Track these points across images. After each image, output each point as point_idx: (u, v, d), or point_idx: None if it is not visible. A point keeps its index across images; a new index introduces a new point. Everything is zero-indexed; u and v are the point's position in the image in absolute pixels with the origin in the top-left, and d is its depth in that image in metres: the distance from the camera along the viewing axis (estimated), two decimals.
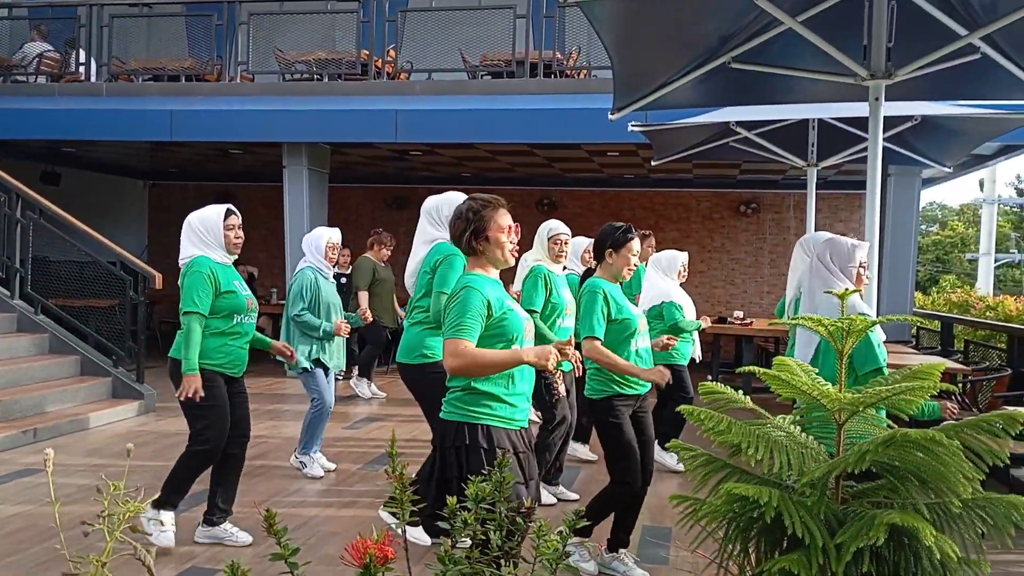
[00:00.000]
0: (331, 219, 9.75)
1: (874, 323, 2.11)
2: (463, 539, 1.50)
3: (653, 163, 7.47)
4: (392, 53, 9.94)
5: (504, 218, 2.97)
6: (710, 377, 7.86)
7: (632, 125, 6.39)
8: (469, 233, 2.95)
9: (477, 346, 2.83)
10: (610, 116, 4.81)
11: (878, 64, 3.64)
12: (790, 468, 1.92)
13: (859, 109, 5.08)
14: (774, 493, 1.80)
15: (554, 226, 5.22)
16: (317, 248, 5.76)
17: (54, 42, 10.93)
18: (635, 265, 3.96)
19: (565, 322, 5.04)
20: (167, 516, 4.20)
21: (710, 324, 6.08)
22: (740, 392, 2.21)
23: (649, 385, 3.96)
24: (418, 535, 3.98)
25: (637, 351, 3.90)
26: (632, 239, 3.90)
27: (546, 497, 5.10)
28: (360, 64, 9.84)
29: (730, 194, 13.24)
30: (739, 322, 10.08)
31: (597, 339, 3.78)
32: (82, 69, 10.71)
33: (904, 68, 3.67)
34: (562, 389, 4.94)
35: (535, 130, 9.24)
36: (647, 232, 6.62)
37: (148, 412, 7.58)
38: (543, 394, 4.93)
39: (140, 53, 10.83)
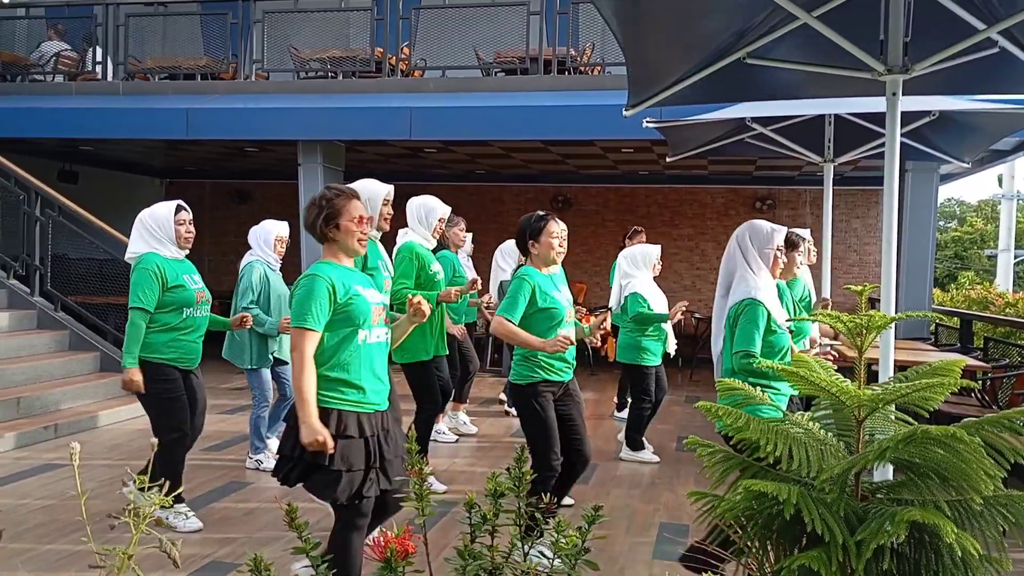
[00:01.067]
0: None
1: (895, 319, 2.09)
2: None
3: (668, 159, 7.44)
4: (406, 51, 9.96)
5: (356, 209, 3.10)
6: None
7: (647, 121, 6.37)
8: (321, 220, 3.07)
9: (325, 331, 2.96)
10: (624, 113, 4.79)
11: (895, 59, 3.61)
12: (809, 465, 1.91)
13: (876, 104, 5.03)
14: (793, 489, 1.79)
15: (552, 223, 5.27)
16: (266, 242, 5.85)
17: (71, 41, 11.01)
18: (561, 246, 4.13)
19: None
20: (181, 506, 4.37)
21: (680, 317, 6.04)
22: (758, 389, 2.21)
23: (571, 373, 4.11)
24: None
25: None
26: (547, 223, 4.09)
27: None
28: (374, 62, 9.86)
29: (745, 190, 13.18)
30: None
31: (509, 320, 3.91)
32: (98, 68, 10.79)
33: (922, 63, 3.63)
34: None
35: (549, 127, 9.23)
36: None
37: None
38: None
39: (156, 52, 10.89)
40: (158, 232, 4.41)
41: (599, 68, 9.61)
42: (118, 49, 10.66)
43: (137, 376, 4.25)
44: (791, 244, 4.72)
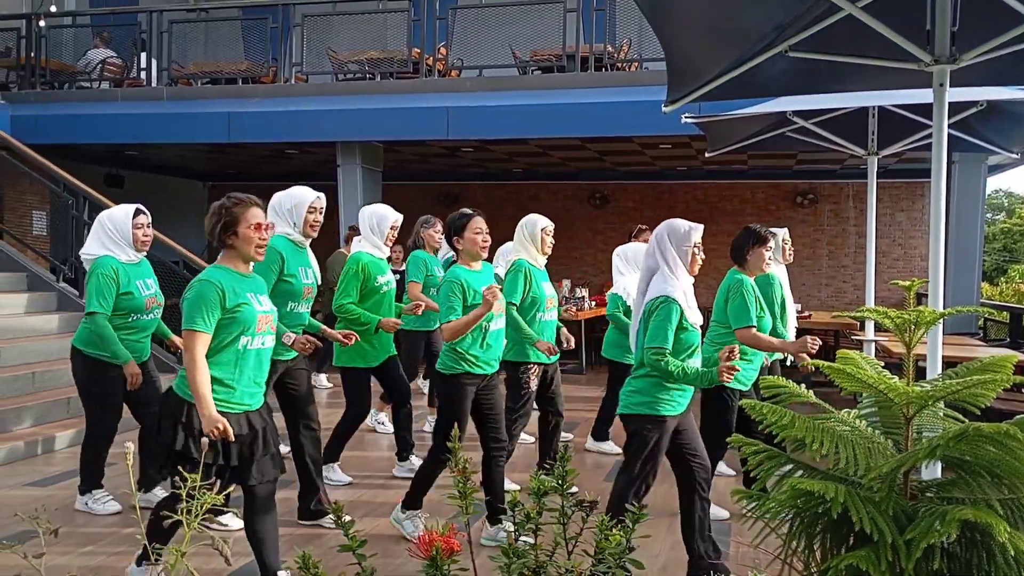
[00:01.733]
0: None
1: (944, 315, 2.05)
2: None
3: (707, 155, 7.37)
4: (443, 51, 10.00)
5: (255, 216, 3.19)
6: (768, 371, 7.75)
7: (686, 117, 6.32)
8: (219, 228, 3.18)
9: (214, 335, 3.10)
10: (663, 108, 4.76)
11: (942, 49, 3.53)
12: (856, 463, 1.88)
13: (922, 96, 4.93)
14: (840, 488, 1.77)
15: (541, 219, 5.32)
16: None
17: (116, 48, 11.25)
18: (484, 241, 4.27)
19: (547, 316, 5.19)
20: (100, 492, 4.66)
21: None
22: (803, 386, 2.18)
23: (497, 365, 4.27)
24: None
25: (487, 331, 4.19)
26: (471, 219, 4.23)
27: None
28: (411, 62, 9.92)
29: (786, 185, 13.01)
30: (797, 315, 9.91)
31: (447, 322, 4.07)
32: (143, 74, 11.01)
33: (969, 53, 3.55)
34: (534, 385, 5.15)
35: (587, 124, 9.21)
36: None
37: None
38: (514, 386, 5.13)
39: (198, 57, 11.09)
40: (115, 235, 4.55)
41: (636, 64, 9.55)
42: (162, 55, 10.87)
43: (134, 369, 4.49)
44: (759, 239, 4.67)
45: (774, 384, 2.25)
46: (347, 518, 1.53)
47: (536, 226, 5.24)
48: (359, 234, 5.26)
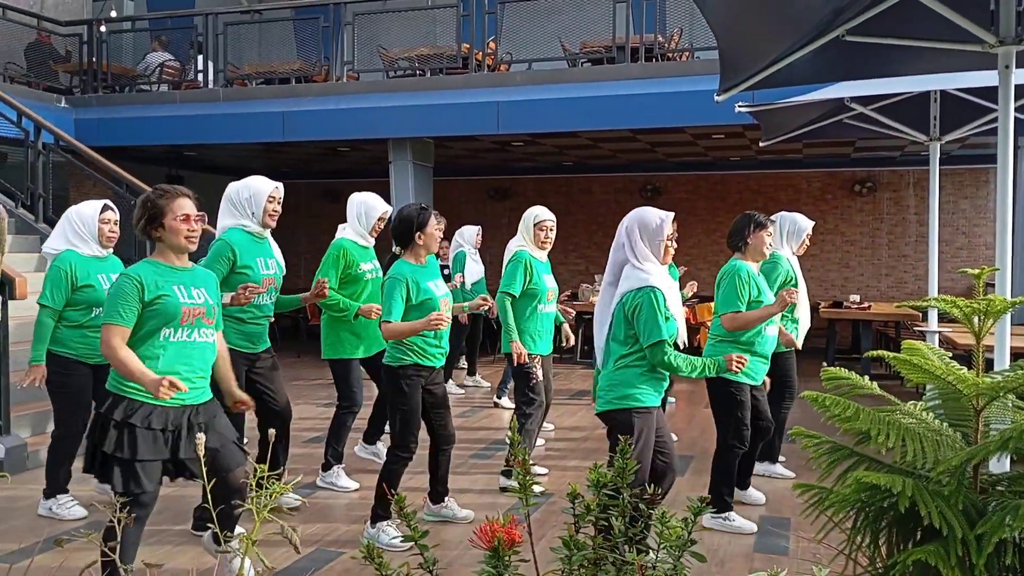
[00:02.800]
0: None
1: (1015, 303, 1.99)
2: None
3: (761, 144, 7.25)
4: (492, 45, 10.01)
5: (182, 207, 3.19)
6: (825, 363, 7.61)
7: (739, 106, 6.23)
8: (145, 221, 3.20)
9: (135, 326, 3.12)
10: (716, 98, 4.69)
11: (1008, 29, 3.41)
12: (924, 456, 1.84)
13: (987, 78, 4.78)
14: (908, 482, 1.73)
15: (539, 212, 5.26)
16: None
17: (174, 51, 11.52)
18: (440, 237, 4.29)
19: (547, 308, 5.19)
20: (64, 497, 4.64)
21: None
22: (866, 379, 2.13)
23: (443, 360, 4.26)
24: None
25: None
26: (431, 214, 4.22)
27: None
28: (461, 58, 9.95)
29: (843, 173, 12.72)
30: (856, 306, 9.71)
31: (388, 322, 4.05)
32: (200, 76, 11.25)
33: None
34: (539, 374, 5.13)
35: (638, 115, 9.13)
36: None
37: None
38: (521, 379, 5.13)
39: (252, 58, 11.29)
40: (82, 229, 4.57)
41: (687, 54, 9.44)
42: (218, 57, 11.10)
43: (41, 371, 4.48)
44: (759, 224, 4.57)
45: (835, 376, 2.20)
46: (409, 509, 1.55)
47: (531, 220, 5.23)
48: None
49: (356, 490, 5.12)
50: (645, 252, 3.60)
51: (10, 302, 5.36)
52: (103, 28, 11.45)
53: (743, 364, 3.60)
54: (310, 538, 4.27)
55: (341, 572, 3.84)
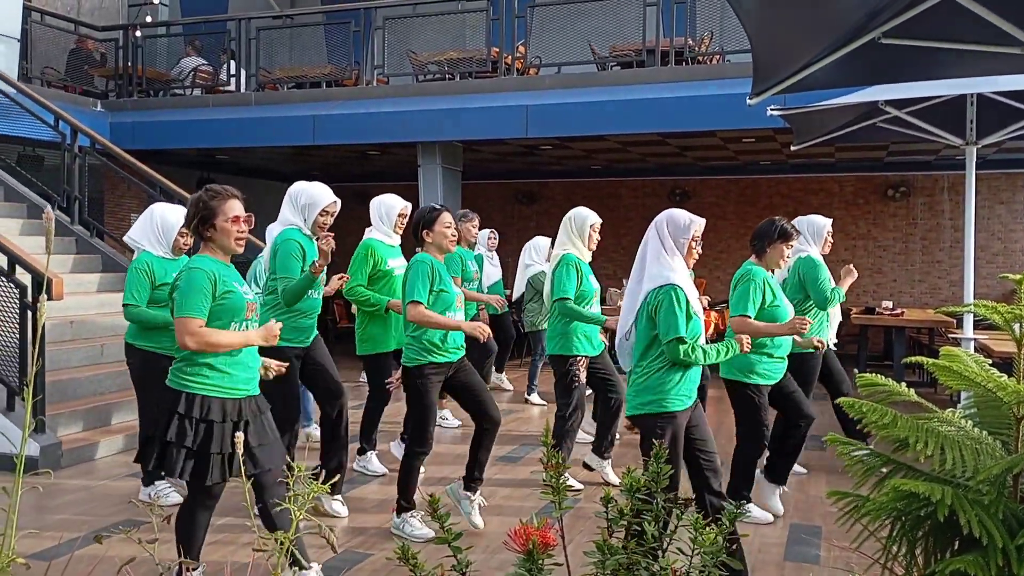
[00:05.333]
0: None
1: None
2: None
3: (793, 148, 7.18)
4: (522, 49, 10.02)
5: (233, 209, 3.24)
6: (856, 370, 7.53)
7: (771, 109, 6.17)
8: (198, 220, 3.25)
9: (207, 322, 3.17)
10: (749, 101, 4.65)
11: None
12: (963, 464, 1.80)
13: None
14: (947, 490, 1.70)
15: (589, 214, 5.26)
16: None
17: (207, 56, 11.67)
18: (453, 236, 4.33)
19: (595, 308, 5.22)
20: (161, 484, 4.85)
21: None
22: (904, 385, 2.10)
23: (461, 352, 4.34)
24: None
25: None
26: (441, 213, 4.30)
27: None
28: (490, 61, 9.97)
29: (876, 178, 12.57)
30: (888, 312, 9.59)
31: (420, 303, 4.13)
32: (232, 80, 11.39)
33: None
34: (583, 377, 5.14)
35: (667, 119, 9.09)
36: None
37: None
38: (563, 380, 5.14)
39: (284, 62, 11.40)
40: (161, 234, 4.75)
41: (718, 57, 9.38)
42: (250, 62, 11.22)
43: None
44: (784, 235, 4.53)
45: (872, 382, 2.17)
46: (442, 510, 1.56)
47: (585, 222, 5.21)
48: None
49: (383, 475, 5.33)
50: (672, 248, 3.60)
51: (47, 303, 5.47)
52: (138, 33, 11.63)
53: (749, 348, 3.70)
54: (338, 539, 4.29)
55: (372, 572, 3.86)
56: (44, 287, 2.02)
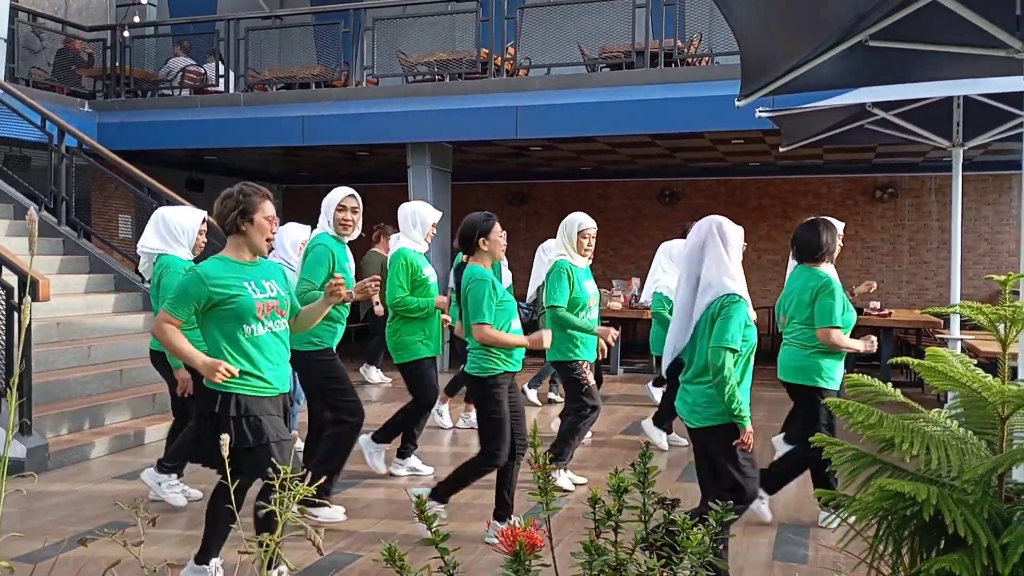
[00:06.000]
0: (453, 216, 9.93)
1: None
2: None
3: (781, 149, 7.21)
4: (511, 50, 10.02)
5: (268, 209, 3.29)
6: (845, 370, 7.56)
7: (760, 111, 6.19)
8: (237, 213, 3.25)
9: (208, 322, 3.25)
10: (737, 103, 4.67)
11: None
12: (948, 464, 1.82)
13: (1011, 84, 4.73)
14: (933, 490, 1.71)
15: (582, 220, 5.25)
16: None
17: (195, 56, 11.63)
18: (503, 244, 4.37)
19: (589, 315, 5.20)
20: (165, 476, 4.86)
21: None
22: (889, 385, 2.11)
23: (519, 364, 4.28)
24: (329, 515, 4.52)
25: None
26: (495, 222, 4.26)
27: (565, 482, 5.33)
28: (480, 63, 9.97)
29: (864, 179, 12.64)
30: (876, 313, 9.63)
31: (487, 324, 4.08)
32: (221, 81, 11.35)
33: None
34: (590, 379, 5.15)
35: (656, 120, 9.12)
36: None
37: None
38: (569, 385, 5.17)
39: (273, 63, 11.37)
40: (181, 236, 4.76)
41: (707, 59, 9.41)
42: (239, 62, 11.19)
43: (186, 375, 4.65)
44: (835, 231, 4.65)
45: (858, 382, 2.19)
46: (430, 512, 1.55)
47: (574, 228, 5.20)
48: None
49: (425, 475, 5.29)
50: (731, 255, 3.47)
51: (33, 304, 5.44)
52: (126, 33, 11.58)
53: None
54: (325, 541, 4.28)
55: (360, 574, 3.85)
56: (28, 288, 2.00)
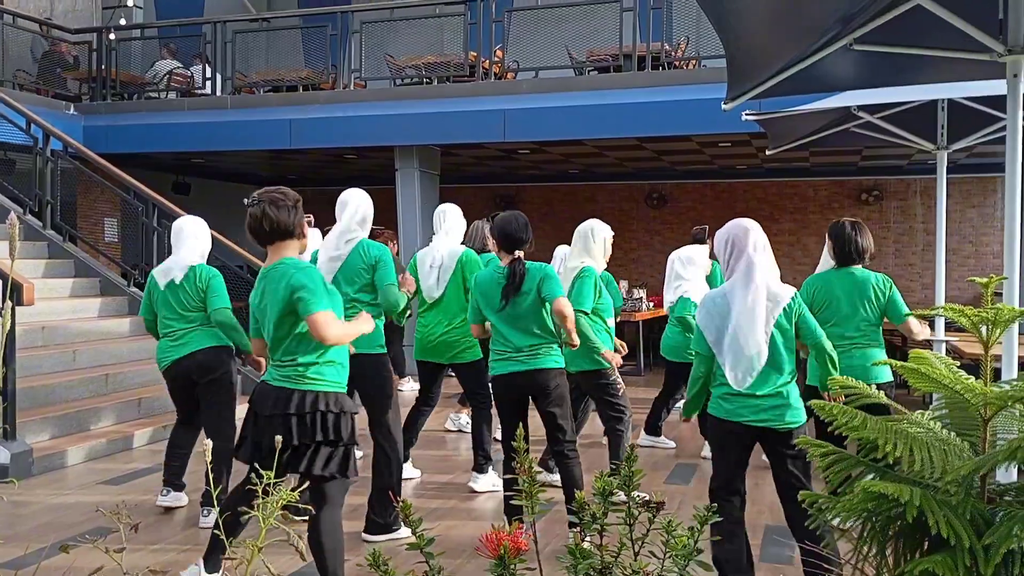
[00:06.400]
0: None
1: (1023, 313, 1.98)
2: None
3: (768, 152, 7.24)
4: (499, 53, 10.03)
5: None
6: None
7: (746, 114, 6.21)
8: (299, 217, 3.38)
9: (300, 321, 3.18)
10: (723, 106, 4.69)
11: (1016, 39, 3.40)
12: (932, 465, 1.83)
13: (994, 87, 4.77)
14: (915, 491, 1.72)
15: (605, 227, 5.33)
16: None
17: (182, 59, 11.58)
18: None
19: (612, 322, 5.22)
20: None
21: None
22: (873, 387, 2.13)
23: None
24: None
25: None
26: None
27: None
28: (468, 66, 9.98)
29: (850, 182, 12.71)
30: None
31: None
32: (208, 84, 11.30)
33: None
34: (620, 380, 5.10)
35: (644, 123, 9.14)
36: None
37: None
38: (601, 392, 5.09)
39: (260, 66, 11.34)
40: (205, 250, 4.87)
41: (694, 62, 9.44)
42: (226, 65, 11.15)
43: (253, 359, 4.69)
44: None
45: (844, 385, 2.20)
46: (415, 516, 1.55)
47: (605, 234, 5.26)
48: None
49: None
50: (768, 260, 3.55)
51: (18, 308, 5.40)
52: (112, 36, 11.52)
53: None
54: None
55: None
56: (10, 292, 1.98)
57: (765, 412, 3.36)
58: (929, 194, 12.20)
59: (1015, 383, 1.98)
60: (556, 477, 4.98)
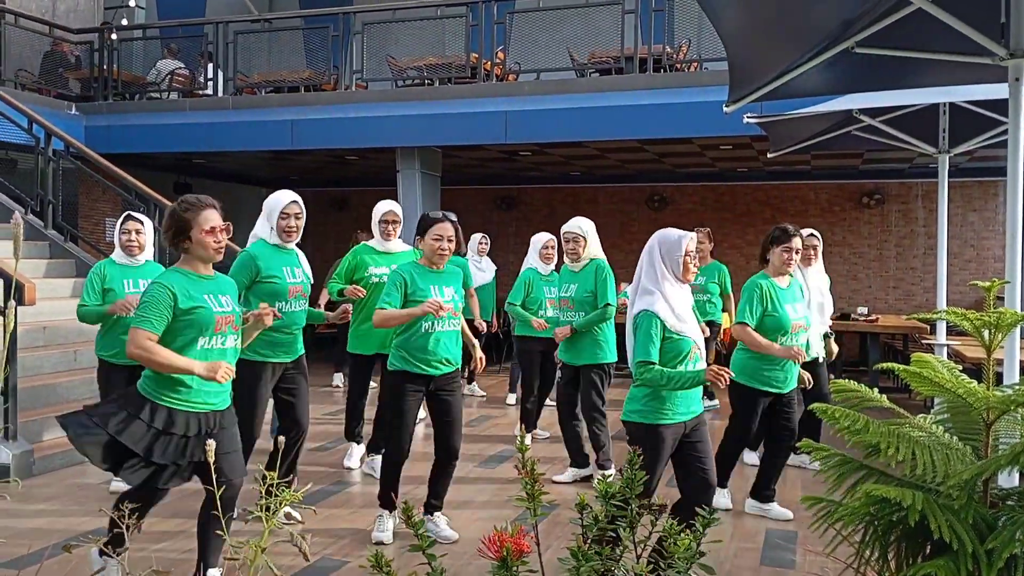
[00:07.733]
0: None
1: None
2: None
3: (769, 155, 7.25)
4: (501, 55, 10.03)
5: (208, 220, 3.27)
6: (832, 376, 7.59)
7: (748, 117, 6.23)
8: (172, 233, 3.28)
9: (167, 335, 3.18)
10: (725, 109, 4.70)
11: (1018, 42, 3.40)
12: (934, 469, 1.82)
13: (996, 91, 4.78)
14: (918, 495, 1.72)
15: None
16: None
17: (184, 60, 11.58)
18: (441, 250, 4.24)
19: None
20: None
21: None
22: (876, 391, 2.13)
23: (448, 368, 4.34)
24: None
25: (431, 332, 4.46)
26: (435, 224, 4.29)
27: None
28: (469, 67, 9.98)
29: (851, 185, 12.70)
30: (863, 318, 9.68)
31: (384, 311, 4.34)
32: (210, 84, 11.30)
33: None
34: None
35: (645, 126, 9.14)
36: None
37: None
38: (592, 388, 5.38)
39: (262, 67, 11.35)
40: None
41: (696, 64, 9.44)
42: (228, 65, 11.15)
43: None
44: (774, 240, 4.76)
45: (844, 388, 2.20)
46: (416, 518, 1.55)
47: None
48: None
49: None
50: (663, 271, 3.61)
51: (19, 308, 5.40)
52: (114, 36, 11.52)
53: (722, 378, 3.46)
54: (313, 546, 4.25)
55: None
56: (13, 292, 1.98)
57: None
58: (931, 198, 12.20)
59: (1017, 387, 1.98)
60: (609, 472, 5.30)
